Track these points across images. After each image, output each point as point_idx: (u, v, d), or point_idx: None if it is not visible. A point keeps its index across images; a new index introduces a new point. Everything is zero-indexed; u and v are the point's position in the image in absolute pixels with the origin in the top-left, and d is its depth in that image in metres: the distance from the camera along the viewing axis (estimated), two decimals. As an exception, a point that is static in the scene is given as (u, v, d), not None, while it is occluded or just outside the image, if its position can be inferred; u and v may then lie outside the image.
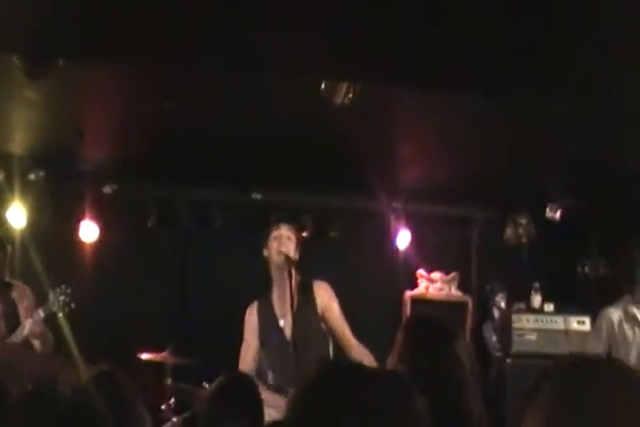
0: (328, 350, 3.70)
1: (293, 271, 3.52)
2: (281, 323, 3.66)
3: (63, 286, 4.04)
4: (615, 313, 3.84)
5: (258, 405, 2.55)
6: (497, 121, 3.63)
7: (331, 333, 3.72)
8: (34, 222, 4.89)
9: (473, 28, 2.64)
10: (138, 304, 5.16)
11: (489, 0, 2.52)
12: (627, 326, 3.81)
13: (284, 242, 3.61)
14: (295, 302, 3.52)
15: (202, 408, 2.50)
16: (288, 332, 3.62)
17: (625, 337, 3.78)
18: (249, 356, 3.66)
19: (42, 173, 4.83)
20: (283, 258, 3.56)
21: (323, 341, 3.68)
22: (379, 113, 3.55)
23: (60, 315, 4.02)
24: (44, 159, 4.77)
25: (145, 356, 4.42)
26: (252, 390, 2.58)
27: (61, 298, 4.01)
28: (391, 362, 2.23)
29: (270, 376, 3.62)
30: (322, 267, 5.18)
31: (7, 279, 4.17)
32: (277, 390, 3.51)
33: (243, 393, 2.52)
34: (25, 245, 4.67)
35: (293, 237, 3.67)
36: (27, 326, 3.92)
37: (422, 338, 2.25)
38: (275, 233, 3.65)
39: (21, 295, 4.10)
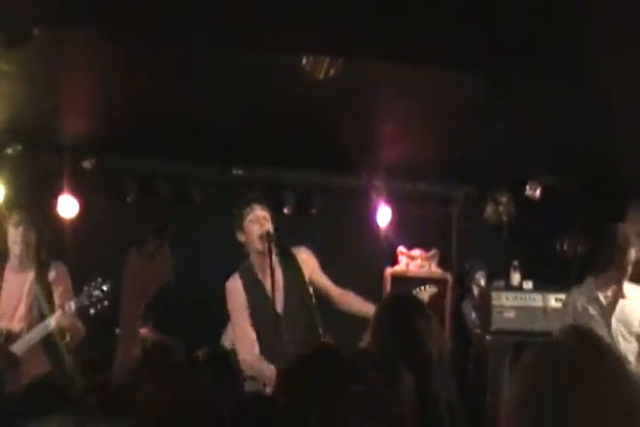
0: (316, 322, 3.66)
1: (273, 246, 3.52)
2: (269, 296, 3.60)
3: (99, 280, 3.85)
4: (579, 298, 3.90)
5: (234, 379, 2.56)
6: (478, 100, 3.61)
7: (318, 292, 3.71)
8: (11, 197, 4.83)
9: (456, 6, 2.61)
10: (117, 279, 5.12)
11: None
12: (592, 310, 3.86)
13: (262, 223, 3.58)
14: (281, 276, 3.54)
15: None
16: (278, 306, 3.57)
17: (590, 320, 3.83)
18: (249, 342, 3.54)
19: (19, 148, 4.76)
20: (264, 237, 3.54)
21: (310, 312, 3.65)
22: (360, 89, 3.53)
23: (92, 311, 3.82)
24: (21, 133, 4.70)
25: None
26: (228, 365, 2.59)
27: (95, 293, 3.82)
28: (365, 339, 2.27)
29: (256, 347, 3.57)
30: (302, 243, 5.19)
31: (44, 257, 4.00)
32: (261, 361, 3.50)
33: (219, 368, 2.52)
34: (2, 220, 4.62)
35: (268, 216, 3.64)
36: (55, 318, 3.76)
37: (387, 319, 2.29)
38: (250, 216, 3.60)
39: (59, 277, 3.97)
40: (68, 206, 5.03)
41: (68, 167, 4.91)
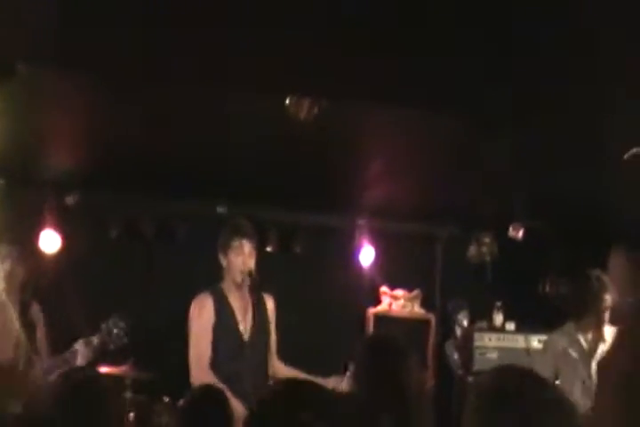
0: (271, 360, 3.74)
1: (252, 284, 3.55)
2: (240, 327, 3.64)
3: (116, 317, 3.86)
4: (560, 340, 3.90)
5: (229, 419, 2.54)
6: (463, 141, 3.66)
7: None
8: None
9: (439, 46, 2.66)
10: (99, 316, 5.07)
11: (461, 16, 2.54)
12: (573, 353, 3.85)
13: (246, 260, 3.62)
14: (251, 309, 3.63)
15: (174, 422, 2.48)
16: (245, 336, 3.63)
17: (571, 363, 3.82)
18: (205, 358, 3.56)
19: (1, 182, 4.75)
20: (245, 275, 3.58)
21: (270, 350, 3.73)
22: (344, 129, 3.56)
23: (112, 347, 3.84)
24: (4, 167, 4.69)
25: (104, 369, 4.33)
26: (224, 403, 2.57)
27: (115, 331, 3.84)
28: (347, 380, 2.26)
29: (208, 364, 3.58)
30: (286, 282, 5.16)
31: (27, 296, 3.96)
32: (212, 378, 3.49)
33: (214, 407, 2.50)
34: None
35: (254, 254, 3.68)
36: (79, 354, 3.68)
37: (367, 361, 2.29)
38: (237, 248, 3.63)
39: (38, 317, 3.92)
40: (50, 242, 5.00)
41: (50, 203, 4.89)
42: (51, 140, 4.21)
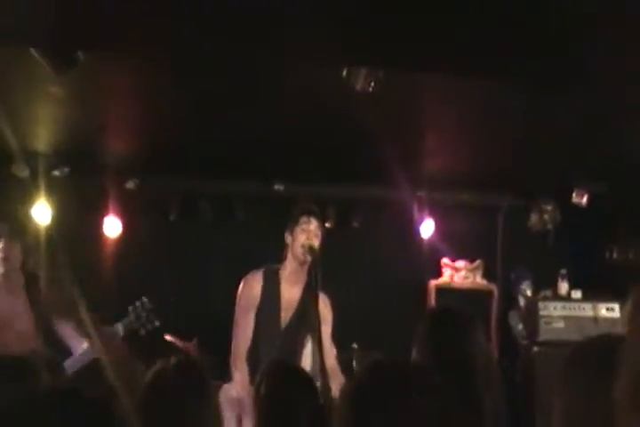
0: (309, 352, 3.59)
1: (314, 260, 3.51)
2: (282, 313, 3.58)
3: (144, 300, 3.76)
4: None
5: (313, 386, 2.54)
6: (520, 108, 3.59)
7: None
8: (59, 219, 4.92)
9: (495, 15, 2.61)
10: (162, 299, 5.18)
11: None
12: None
13: (311, 237, 3.60)
14: (299, 301, 3.54)
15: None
16: (283, 324, 3.57)
17: None
18: (245, 345, 3.49)
19: (66, 170, 4.86)
20: (307, 251, 3.55)
21: (309, 341, 3.57)
22: (401, 100, 3.52)
23: (144, 333, 3.75)
24: (68, 155, 4.80)
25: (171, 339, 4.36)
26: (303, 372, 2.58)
27: (144, 314, 3.75)
28: (413, 355, 2.25)
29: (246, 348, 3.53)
30: (346, 257, 5.18)
31: (30, 271, 3.84)
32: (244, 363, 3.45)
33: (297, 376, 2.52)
34: (51, 241, 4.70)
35: (320, 235, 3.65)
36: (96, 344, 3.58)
37: (435, 332, 2.26)
38: (304, 226, 3.62)
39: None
40: (112, 226, 5.11)
41: (112, 188, 5.00)
42: (110, 126, 4.28)
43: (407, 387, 1.38)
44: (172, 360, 2.02)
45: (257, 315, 3.59)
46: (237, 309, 3.64)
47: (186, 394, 1.94)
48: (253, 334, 3.55)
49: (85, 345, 3.70)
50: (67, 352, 3.74)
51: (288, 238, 3.68)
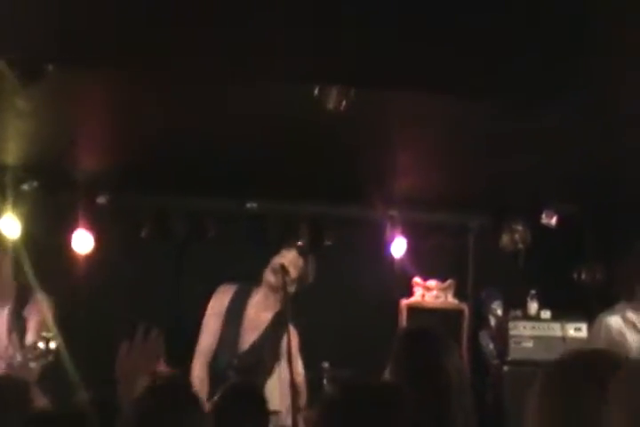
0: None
1: (286, 281, 3.49)
2: (245, 326, 3.57)
3: (49, 335, 3.54)
4: (613, 320, 3.75)
5: (263, 414, 2.54)
6: (493, 127, 3.63)
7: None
8: (27, 233, 4.86)
9: (470, 31, 2.63)
10: (131, 315, 5.12)
11: (488, 3, 2.51)
12: (627, 333, 3.71)
13: (286, 261, 3.58)
14: (265, 326, 3.56)
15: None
16: (247, 340, 3.57)
17: (625, 345, 3.69)
18: (206, 351, 3.54)
19: (35, 184, 4.81)
20: (277, 269, 3.53)
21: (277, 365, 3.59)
22: (373, 119, 3.54)
23: (33, 365, 3.47)
24: (37, 169, 4.75)
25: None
26: (259, 399, 2.57)
27: (41, 346, 3.47)
28: (386, 374, 2.24)
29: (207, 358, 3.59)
30: (317, 276, 5.17)
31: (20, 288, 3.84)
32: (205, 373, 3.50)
33: (248, 403, 2.51)
34: (18, 255, 4.63)
35: (300, 266, 3.62)
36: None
37: (411, 351, 2.26)
38: (283, 252, 3.59)
39: (35, 311, 3.82)
40: (82, 242, 5.05)
41: (82, 203, 4.95)
42: (81, 141, 4.26)
43: (381, 407, 1.38)
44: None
45: (220, 326, 3.56)
46: (206, 316, 3.62)
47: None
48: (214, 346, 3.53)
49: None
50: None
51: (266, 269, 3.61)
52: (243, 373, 3.46)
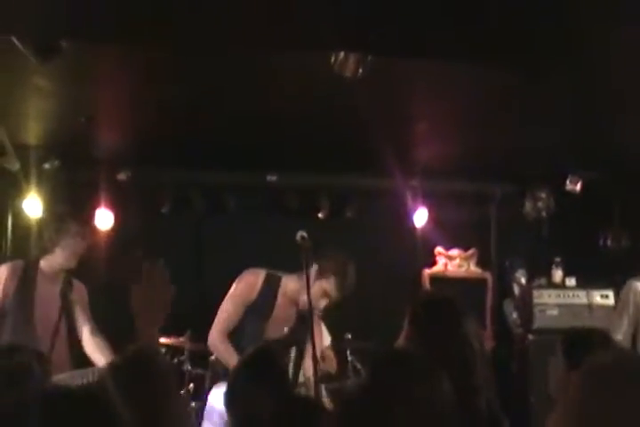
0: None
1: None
2: (274, 315, 3.56)
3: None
4: None
5: (283, 376, 2.55)
6: (513, 93, 3.56)
7: None
8: (50, 212, 4.89)
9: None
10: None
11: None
12: None
13: (326, 302, 3.54)
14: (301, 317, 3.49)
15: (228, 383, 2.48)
16: (273, 330, 3.54)
17: None
18: (226, 324, 3.52)
19: (57, 162, 4.83)
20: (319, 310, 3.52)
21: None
22: (391, 87, 3.49)
23: None
24: (58, 148, 4.77)
25: (163, 340, 4.36)
26: (277, 362, 2.57)
27: None
28: (400, 342, 2.22)
29: (226, 330, 3.57)
30: (339, 248, 5.16)
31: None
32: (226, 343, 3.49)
33: (267, 366, 2.51)
34: (42, 234, 4.67)
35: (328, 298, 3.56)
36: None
37: (429, 318, 2.24)
38: (329, 288, 3.51)
39: (80, 296, 3.81)
40: (104, 219, 5.08)
41: (103, 180, 4.97)
42: (99, 118, 4.24)
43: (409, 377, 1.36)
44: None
45: (247, 313, 3.56)
46: (230, 297, 3.61)
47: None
48: (240, 332, 3.53)
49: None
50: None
51: (316, 274, 3.51)
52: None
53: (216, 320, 3.59)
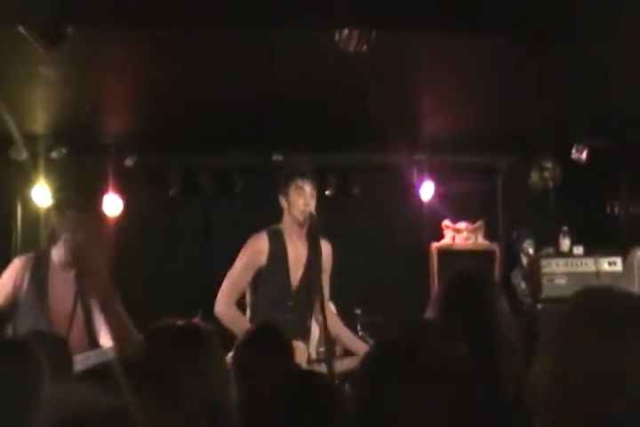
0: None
1: (313, 226, 3.49)
2: (292, 274, 3.58)
3: None
4: None
5: (288, 351, 2.57)
6: (516, 64, 3.56)
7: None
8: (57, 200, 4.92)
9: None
10: (164, 274, 5.22)
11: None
12: None
13: (308, 201, 3.57)
14: (306, 254, 3.55)
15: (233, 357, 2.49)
16: (293, 279, 3.57)
17: None
18: (234, 292, 3.53)
19: (64, 151, 4.85)
20: (306, 216, 3.53)
21: (314, 298, 3.58)
22: (395, 61, 3.49)
23: None
24: (65, 136, 4.79)
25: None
26: (281, 337, 2.60)
27: None
28: (430, 314, 2.22)
29: (248, 314, 3.57)
30: (347, 224, 5.20)
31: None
32: (233, 309, 3.50)
33: (271, 340, 2.53)
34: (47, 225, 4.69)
35: (315, 195, 3.61)
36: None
37: (463, 294, 2.22)
38: (299, 190, 3.58)
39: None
40: (113, 205, 5.12)
41: (111, 166, 5.00)
42: (105, 103, 4.26)
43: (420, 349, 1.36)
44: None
45: (264, 276, 3.58)
46: (239, 263, 3.62)
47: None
48: (266, 295, 3.56)
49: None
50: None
51: (283, 202, 3.62)
52: (298, 314, 3.52)
53: (221, 289, 3.61)
